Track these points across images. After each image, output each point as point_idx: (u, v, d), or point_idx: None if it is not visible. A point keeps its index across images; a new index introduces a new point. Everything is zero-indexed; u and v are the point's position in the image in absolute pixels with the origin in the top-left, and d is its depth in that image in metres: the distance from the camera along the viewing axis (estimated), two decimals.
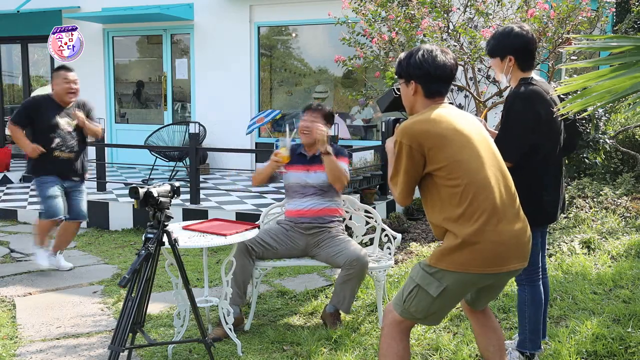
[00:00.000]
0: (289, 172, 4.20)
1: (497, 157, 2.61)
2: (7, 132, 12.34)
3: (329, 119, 4.21)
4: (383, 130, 2.86)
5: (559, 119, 3.06)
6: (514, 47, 3.14)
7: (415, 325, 3.65)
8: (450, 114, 2.57)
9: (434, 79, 2.59)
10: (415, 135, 2.49)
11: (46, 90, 12.21)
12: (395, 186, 2.60)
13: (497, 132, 3.30)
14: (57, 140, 5.18)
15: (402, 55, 2.71)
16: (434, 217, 2.57)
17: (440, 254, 2.51)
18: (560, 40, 5.52)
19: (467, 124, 2.58)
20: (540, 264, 3.32)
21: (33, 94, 5.56)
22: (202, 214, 6.66)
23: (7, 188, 9.50)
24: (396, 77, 2.76)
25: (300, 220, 4.15)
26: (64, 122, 5.24)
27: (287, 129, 4.16)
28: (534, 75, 3.21)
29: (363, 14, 6.21)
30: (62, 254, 5.50)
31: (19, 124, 5.22)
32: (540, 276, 3.30)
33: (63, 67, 5.43)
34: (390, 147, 2.66)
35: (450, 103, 2.68)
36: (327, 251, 4.04)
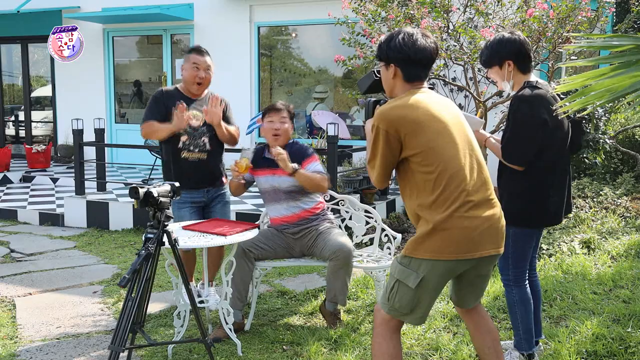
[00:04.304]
0: (258, 176, 4.07)
1: (473, 144, 2.61)
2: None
3: (292, 117, 4.12)
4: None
5: (560, 117, 3.06)
6: (509, 51, 3.16)
7: (414, 326, 3.66)
8: (428, 99, 2.56)
9: (414, 63, 2.58)
10: (392, 121, 2.49)
11: (46, 90, 12.31)
12: (373, 169, 2.61)
13: (495, 136, 3.30)
14: (183, 139, 4.07)
15: (382, 37, 2.69)
16: (409, 203, 2.58)
17: (415, 243, 2.51)
18: (560, 40, 5.52)
19: (445, 110, 2.57)
20: (529, 265, 3.33)
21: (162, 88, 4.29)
22: None
23: (7, 188, 9.51)
24: (376, 59, 2.74)
25: (285, 227, 4.09)
26: (191, 116, 4.05)
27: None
28: (537, 78, 3.21)
29: (363, 14, 6.20)
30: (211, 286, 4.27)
31: (152, 119, 4.06)
32: (527, 277, 3.31)
33: (195, 49, 4.23)
34: (369, 129, 2.64)
35: (430, 87, 2.66)
36: (317, 248, 4.03)
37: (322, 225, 4.11)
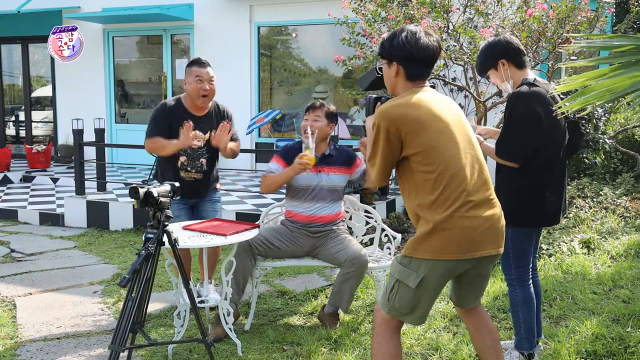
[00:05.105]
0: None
1: (474, 144, 2.60)
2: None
3: (331, 117, 4.09)
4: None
5: (559, 117, 3.06)
6: (499, 51, 3.20)
7: (414, 326, 3.66)
8: (429, 98, 2.56)
9: (417, 61, 2.58)
10: (393, 120, 2.49)
11: (47, 90, 12.31)
12: (373, 167, 2.61)
13: (498, 129, 3.31)
14: (182, 159, 4.09)
15: (385, 35, 2.69)
16: (409, 203, 2.59)
17: (415, 243, 2.51)
18: (559, 40, 5.53)
19: (446, 110, 2.57)
20: (531, 265, 3.33)
21: (163, 101, 4.27)
22: None
23: (7, 188, 9.51)
24: (378, 57, 2.74)
25: (311, 225, 4.09)
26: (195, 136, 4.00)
27: (309, 130, 3.90)
28: (536, 76, 3.23)
29: (363, 14, 6.21)
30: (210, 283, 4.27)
31: (157, 135, 4.05)
32: (531, 276, 3.31)
33: (196, 62, 4.11)
34: (369, 126, 2.64)
35: (431, 86, 2.66)
36: (329, 250, 4.03)
37: (340, 229, 4.16)
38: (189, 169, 4.11)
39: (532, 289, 3.28)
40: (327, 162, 4.08)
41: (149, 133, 4.10)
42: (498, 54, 3.20)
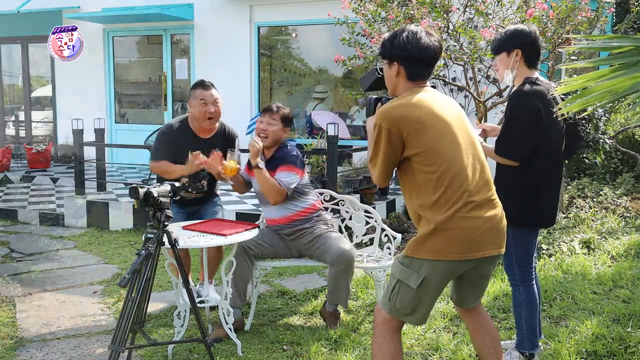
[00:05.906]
0: (252, 178, 4.05)
1: (475, 144, 2.60)
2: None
3: (286, 121, 4.05)
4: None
5: (559, 119, 3.06)
6: (522, 41, 3.16)
7: (415, 326, 3.67)
8: (430, 98, 2.56)
9: (417, 62, 2.58)
10: (394, 120, 2.48)
11: (46, 90, 12.31)
12: (374, 168, 2.60)
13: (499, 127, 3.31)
14: (184, 180, 4.09)
15: (385, 35, 2.68)
16: (410, 203, 2.58)
17: (416, 243, 2.51)
18: (560, 40, 5.53)
19: (447, 110, 2.57)
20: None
21: (169, 122, 4.27)
22: None
23: (7, 188, 9.50)
24: (379, 57, 2.73)
25: (279, 227, 4.10)
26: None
27: (236, 151, 3.99)
28: (539, 76, 3.22)
29: (363, 14, 6.21)
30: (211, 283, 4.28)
31: (162, 158, 4.05)
32: (534, 276, 3.31)
33: (200, 84, 4.09)
34: (370, 127, 2.63)
35: (432, 86, 2.66)
36: (317, 252, 4.02)
37: (317, 227, 4.08)
38: (189, 189, 4.17)
39: (535, 289, 3.28)
40: (270, 166, 3.99)
41: (154, 155, 4.13)
42: (519, 43, 3.15)
